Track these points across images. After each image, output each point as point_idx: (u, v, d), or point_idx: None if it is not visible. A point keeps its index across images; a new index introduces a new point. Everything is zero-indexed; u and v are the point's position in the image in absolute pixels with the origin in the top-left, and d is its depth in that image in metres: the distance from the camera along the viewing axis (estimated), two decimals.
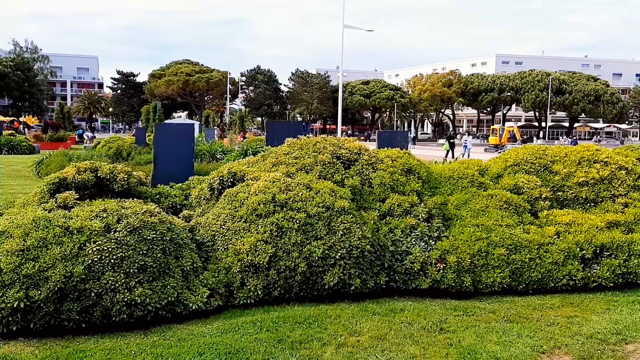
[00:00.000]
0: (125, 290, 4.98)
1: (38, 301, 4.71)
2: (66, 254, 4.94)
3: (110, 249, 5.07)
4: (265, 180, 6.48)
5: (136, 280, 5.07)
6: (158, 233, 5.39)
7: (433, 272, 6.18)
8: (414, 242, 6.42)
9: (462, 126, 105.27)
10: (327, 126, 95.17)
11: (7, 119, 69.87)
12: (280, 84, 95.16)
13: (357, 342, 4.77)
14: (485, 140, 68.08)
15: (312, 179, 6.79)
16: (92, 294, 4.87)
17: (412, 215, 6.72)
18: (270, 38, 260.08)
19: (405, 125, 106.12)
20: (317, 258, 5.83)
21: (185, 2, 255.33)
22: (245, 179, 6.81)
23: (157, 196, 7.45)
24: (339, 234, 6.00)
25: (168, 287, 5.21)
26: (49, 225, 5.14)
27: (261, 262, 5.71)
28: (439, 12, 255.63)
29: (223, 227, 6.10)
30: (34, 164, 18.77)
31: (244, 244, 5.80)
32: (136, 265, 5.11)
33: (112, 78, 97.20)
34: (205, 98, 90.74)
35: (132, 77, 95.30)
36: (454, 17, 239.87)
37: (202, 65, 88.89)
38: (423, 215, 6.72)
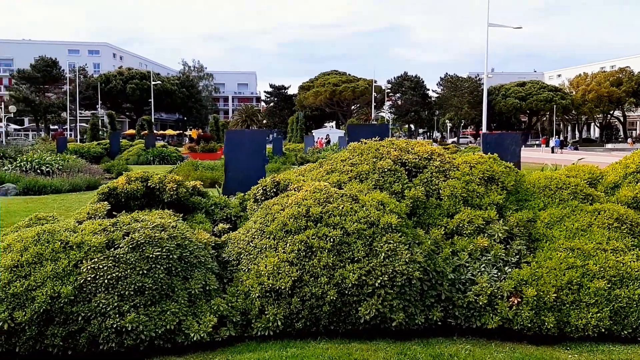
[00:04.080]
0: (117, 315, 4.43)
1: (22, 323, 4.33)
2: (58, 272, 4.53)
3: (105, 268, 4.57)
4: (307, 190, 5.63)
5: (131, 304, 4.51)
6: (164, 250, 4.79)
7: (504, 307, 4.85)
8: (482, 269, 5.13)
9: (635, 129, 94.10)
10: (479, 131, 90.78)
11: (175, 132, 76.66)
12: (428, 90, 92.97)
13: None
14: None
15: (364, 188, 5.79)
16: (79, 318, 4.40)
17: (486, 235, 5.42)
18: (422, 45, 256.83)
19: (569, 129, 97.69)
20: (350, 285, 4.83)
21: (342, 14, 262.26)
22: (288, 188, 6.02)
23: (212, 207, 6.94)
24: (381, 257, 4.94)
25: (168, 313, 4.58)
26: (50, 240, 4.79)
27: (283, 287, 4.86)
28: (614, 4, 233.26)
29: (250, 244, 5.35)
30: (166, 174, 19.73)
31: (266, 265, 5.00)
32: (133, 286, 4.55)
33: (265, 92, 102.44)
34: (352, 107, 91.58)
35: (283, 90, 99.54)
36: (633, 9, 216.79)
37: (349, 75, 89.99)
38: (500, 234, 5.39)
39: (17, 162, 18.03)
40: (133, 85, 79.18)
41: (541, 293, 4.83)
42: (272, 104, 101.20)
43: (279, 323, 4.83)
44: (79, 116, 69.16)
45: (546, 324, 4.75)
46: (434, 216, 5.71)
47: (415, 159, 6.24)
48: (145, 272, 4.64)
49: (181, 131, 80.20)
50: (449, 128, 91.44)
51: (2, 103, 52.90)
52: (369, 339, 4.86)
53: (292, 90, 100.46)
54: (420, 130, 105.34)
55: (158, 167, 27.40)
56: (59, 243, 4.75)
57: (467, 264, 5.18)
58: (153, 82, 75.32)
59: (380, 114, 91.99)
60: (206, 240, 5.35)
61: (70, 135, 65.54)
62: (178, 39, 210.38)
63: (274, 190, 6.14)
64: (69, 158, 20.49)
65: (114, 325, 4.39)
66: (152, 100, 73.96)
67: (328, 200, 5.43)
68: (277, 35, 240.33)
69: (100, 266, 4.57)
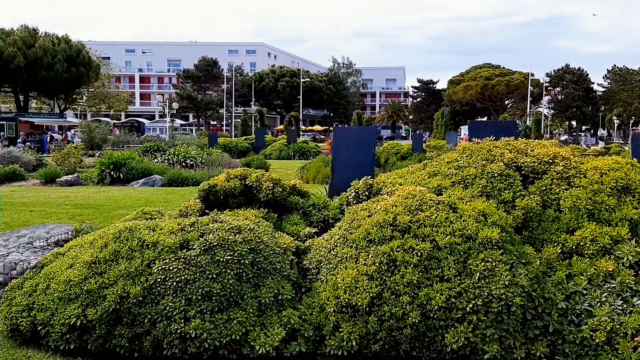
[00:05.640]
0: (182, 320, 4.27)
1: (93, 321, 4.34)
2: (130, 271, 4.47)
3: (175, 270, 4.43)
4: (399, 195, 5.06)
5: (197, 309, 4.31)
6: (235, 254, 4.54)
7: (626, 348, 3.90)
8: (603, 299, 4.19)
9: None
10: None
11: (322, 128, 78.59)
12: (592, 84, 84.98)
13: None
14: None
15: (467, 196, 5.08)
16: (146, 320, 4.30)
17: (612, 257, 4.45)
18: (586, 35, 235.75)
19: None
20: (436, 307, 4.20)
21: (497, 5, 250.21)
22: (381, 192, 5.49)
23: (310, 208, 6.63)
24: (476, 277, 4.24)
25: (234, 321, 4.31)
26: (129, 238, 4.77)
27: (359, 304, 4.36)
28: None
29: (332, 252, 4.92)
30: (298, 169, 19.98)
31: (343, 278, 4.53)
32: (200, 291, 4.35)
33: (412, 87, 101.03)
34: (506, 102, 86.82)
35: (431, 85, 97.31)
36: None
37: (502, 68, 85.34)
38: (631, 257, 4.39)
39: (166, 155, 19.36)
40: (284, 82, 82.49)
41: None
42: (419, 99, 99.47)
43: (354, 343, 4.34)
44: (234, 112, 73.62)
45: None
46: (550, 231, 4.83)
47: (533, 162, 5.36)
48: (214, 276, 4.43)
49: (327, 127, 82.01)
50: (616, 125, 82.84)
51: (168, 100, 57.97)
52: None
53: (441, 85, 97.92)
54: (583, 128, 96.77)
55: (295, 162, 28.00)
56: (137, 241, 4.71)
57: (585, 292, 4.27)
58: (302, 80, 77.76)
59: (537, 109, 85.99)
60: (286, 245, 5.02)
61: (227, 130, 70.05)
62: (330, 37, 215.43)
63: (367, 193, 5.65)
64: (213, 152, 21.61)
65: (178, 331, 4.23)
66: (300, 97, 76.40)
67: (420, 208, 4.81)
68: (425, 30, 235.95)
69: (171, 267, 4.45)
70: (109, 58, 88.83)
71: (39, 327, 4.50)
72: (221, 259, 4.50)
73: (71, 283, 4.52)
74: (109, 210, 11.62)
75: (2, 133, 47.45)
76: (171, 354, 4.25)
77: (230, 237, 4.64)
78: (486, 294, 4.15)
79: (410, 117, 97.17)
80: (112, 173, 17.19)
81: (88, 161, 23.66)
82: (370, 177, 6.27)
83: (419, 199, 4.91)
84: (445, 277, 4.31)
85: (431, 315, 4.22)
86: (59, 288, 4.56)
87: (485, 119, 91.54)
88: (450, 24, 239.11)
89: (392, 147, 30.23)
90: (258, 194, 6.48)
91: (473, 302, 4.15)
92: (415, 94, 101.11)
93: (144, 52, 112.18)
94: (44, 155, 26.71)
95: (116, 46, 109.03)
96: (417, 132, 40.66)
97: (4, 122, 49.15)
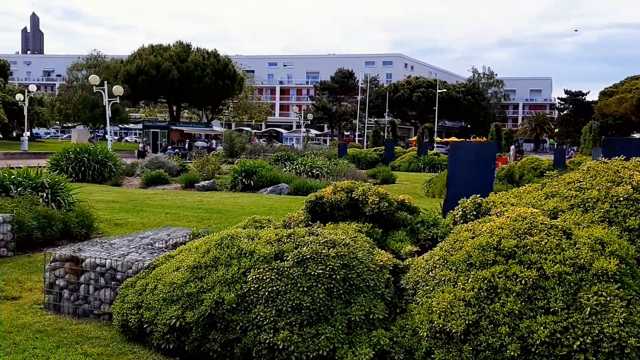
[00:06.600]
0: (271, 331, 4.30)
1: (191, 323, 4.52)
2: (227, 278, 4.60)
3: (268, 280, 4.48)
4: (508, 217, 4.70)
5: (287, 320, 4.32)
6: (327, 269, 4.49)
7: None
8: None
9: None
10: None
11: (458, 140, 76.53)
12: None
13: None
14: None
15: (584, 221, 4.58)
16: (238, 327, 4.39)
17: None
18: None
19: None
20: (539, 342, 3.81)
21: None
22: (490, 212, 5.13)
23: (418, 225, 6.41)
24: (586, 312, 3.79)
25: (322, 337, 4.26)
26: (229, 245, 4.92)
27: (454, 331, 4.09)
28: None
29: (430, 273, 4.68)
30: (425, 182, 19.56)
31: (439, 302, 4.29)
32: (291, 303, 4.36)
33: (559, 98, 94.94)
34: None
35: (580, 97, 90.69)
36: None
37: None
38: None
39: (294, 164, 19.97)
40: (419, 93, 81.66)
41: None
42: (566, 112, 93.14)
43: None
44: (367, 123, 74.22)
45: None
46: None
47: None
48: (305, 289, 4.41)
49: (464, 139, 79.61)
50: None
51: (304, 111, 60.01)
52: None
53: (591, 97, 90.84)
54: None
55: (424, 174, 27.47)
56: (236, 249, 4.84)
57: None
58: (438, 90, 76.42)
59: None
60: (383, 263, 4.87)
61: (359, 141, 70.80)
62: (472, 47, 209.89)
63: (474, 212, 5.32)
64: (340, 163, 21.90)
65: (267, 341, 4.26)
66: (436, 108, 75.10)
67: (529, 231, 4.42)
68: (578, 38, 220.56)
69: (264, 277, 4.51)
70: (253, 71, 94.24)
71: (145, 325, 4.79)
72: (313, 273, 4.48)
73: (174, 285, 4.76)
74: (234, 216, 12.20)
75: (144, 138, 52.01)
76: None
77: (324, 251, 4.61)
78: (597, 331, 3.69)
79: (556, 130, 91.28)
80: (243, 180, 18.07)
81: (225, 168, 25.12)
82: (480, 195, 5.92)
83: (529, 222, 4.52)
84: (551, 310, 3.90)
85: (532, 349, 3.84)
86: (164, 289, 4.82)
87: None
88: (607, 32, 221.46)
89: (531, 162, 28.65)
90: (364, 207, 6.38)
91: (581, 339, 3.72)
92: (562, 106, 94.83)
93: (285, 65, 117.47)
94: (187, 161, 28.82)
95: (260, 60, 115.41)
96: (563, 147, 37.97)
97: (158, 130, 54.00)
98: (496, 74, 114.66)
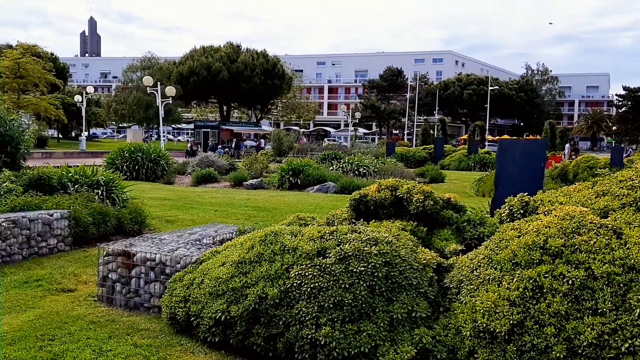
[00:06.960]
0: (313, 326, 4.34)
1: (235, 317, 4.61)
2: (270, 274, 4.68)
3: (311, 276, 4.53)
4: (555, 215, 4.59)
5: (329, 317, 4.36)
6: (369, 266, 4.50)
7: None
8: None
9: None
10: None
11: (510, 138, 74.81)
12: None
13: None
14: None
15: (636, 220, 4.42)
16: (280, 322, 4.45)
17: None
18: None
19: None
20: (586, 343, 3.71)
21: None
22: (537, 211, 5.02)
23: (464, 224, 6.34)
24: (636, 313, 3.67)
25: (364, 334, 4.27)
26: (273, 241, 5.00)
27: (498, 330, 4.03)
28: None
29: (474, 272, 4.62)
30: (474, 181, 19.23)
31: (482, 301, 4.23)
32: (333, 299, 4.39)
33: (617, 95, 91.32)
34: None
35: (639, 93, 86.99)
36: None
37: None
38: None
39: (340, 163, 20.00)
40: (470, 91, 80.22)
41: None
42: (624, 109, 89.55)
43: None
44: (417, 121, 73.46)
45: None
46: None
47: None
48: (347, 286, 4.44)
49: (517, 137, 77.73)
50: None
51: (353, 109, 59.96)
52: None
53: None
54: None
55: (474, 173, 26.98)
56: (279, 245, 4.92)
57: None
58: (490, 87, 74.85)
59: None
60: (427, 261, 4.84)
61: (409, 139, 70.20)
62: (526, 43, 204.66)
63: (521, 211, 5.22)
64: (387, 161, 21.79)
65: (309, 336, 4.31)
66: (487, 105, 73.60)
67: (577, 231, 4.31)
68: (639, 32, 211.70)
69: (307, 273, 4.56)
70: (301, 71, 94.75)
71: (192, 318, 4.93)
72: (355, 270, 4.50)
73: (220, 280, 4.88)
74: (281, 214, 12.33)
75: (193, 138, 53.00)
76: (301, 358, 4.35)
77: (366, 249, 4.62)
78: None
79: (614, 128, 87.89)
80: (290, 179, 18.24)
81: (273, 167, 25.41)
82: (528, 194, 5.79)
83: (577, 220, 4.40)
84: (599, 311, 3.79)
85: (579, 351, 3.74)
86: (210, 283, 4.94)
87: None
88: None
89: (586, 160, 27.71)
90: (408, 206, 6.35)
91: (630, 341, 3.60)
92: (620, 103, 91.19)
93: (333, 64, 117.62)
94: (236, 160, 29.30)
95: (309, 59, 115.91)
96: (621, 145, 36.52)
97: (209, 130, 55.10)
98: (550, 70, 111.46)
